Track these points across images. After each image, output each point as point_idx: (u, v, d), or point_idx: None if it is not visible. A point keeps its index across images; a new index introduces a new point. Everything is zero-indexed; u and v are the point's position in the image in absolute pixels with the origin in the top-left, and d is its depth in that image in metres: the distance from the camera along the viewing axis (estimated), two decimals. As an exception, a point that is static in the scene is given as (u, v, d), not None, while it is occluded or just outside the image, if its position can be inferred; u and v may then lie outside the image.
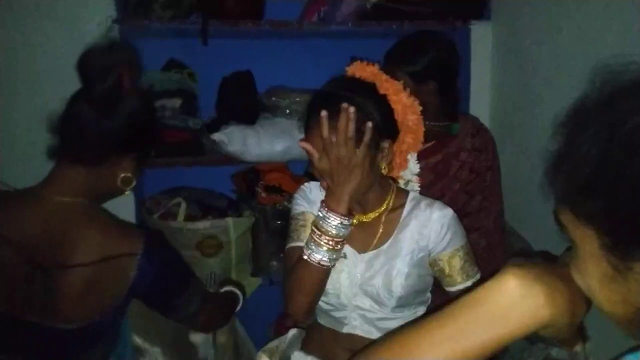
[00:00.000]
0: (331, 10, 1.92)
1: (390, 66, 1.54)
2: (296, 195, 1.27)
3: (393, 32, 1.93)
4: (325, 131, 1.05)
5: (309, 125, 1.12)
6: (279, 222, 1.98)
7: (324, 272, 1.12)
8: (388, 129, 1.13)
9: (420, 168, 1.33)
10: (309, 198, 1.24)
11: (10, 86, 1.73)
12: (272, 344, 1.32)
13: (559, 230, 0.58)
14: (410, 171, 1.30)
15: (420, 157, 1.33)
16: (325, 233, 1.08)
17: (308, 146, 1.09)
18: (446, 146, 1.63)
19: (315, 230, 1.09)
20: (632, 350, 0.53)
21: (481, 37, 1.96)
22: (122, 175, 1.11)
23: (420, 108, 1.18)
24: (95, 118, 1.05)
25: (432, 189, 1.55)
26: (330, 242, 1.08)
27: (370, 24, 1.88)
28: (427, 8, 1.90)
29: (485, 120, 2.04)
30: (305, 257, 1.10)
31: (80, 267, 1.04)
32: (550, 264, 0.60)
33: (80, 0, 1.73)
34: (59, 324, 1.06)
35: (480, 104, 2.00)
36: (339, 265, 1.16)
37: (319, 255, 1.09)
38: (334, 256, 1.10)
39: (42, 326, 1.05)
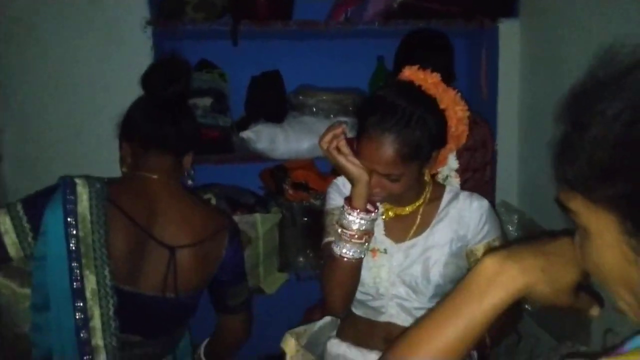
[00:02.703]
0: (358, 9, 1.94)
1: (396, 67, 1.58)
2: (329, 190, 1.29)
3: (420, 31, 1.94)
4: (322, 137, 1.13)
5: (359, 128, 1.12)
6: (306, 218, 2.01)
7: (354, 266, 1.15)
8: (440, 141, 1.14)
9: None
10: (343, 192, 1.25)
11: (51, 90, 1.82)
12: (300, 328, 1.34)
13: (567, 217, 0.58)
14: (449, 167, 1.32)
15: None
16: (348, 228, 1.12)
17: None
18: None
19: (339, 226, 1.13)
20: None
21: (509, 35, 1.95)
22: (188, 167, 1.30)
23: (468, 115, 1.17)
24: (181, 118, 1.23)
25: None
26: (354, 238, 1.11)
27: (397, 22, 1.89)
28: (455, 6, 1.90)
29: (514, 119, 2.03)
30: (332, 251, 1.14)
31: (197, 244, 1.22)
32: (524, 244, 0.67)
33: (115, 4, 1.80)
34: (174, 295, 1.21)
35: (509, 102, 1.98)
36: (379, 259, 1.20)
37: (344, 250, 1.13)
38: (360, 250, 1.13)
39: (159, 299, 1.19)
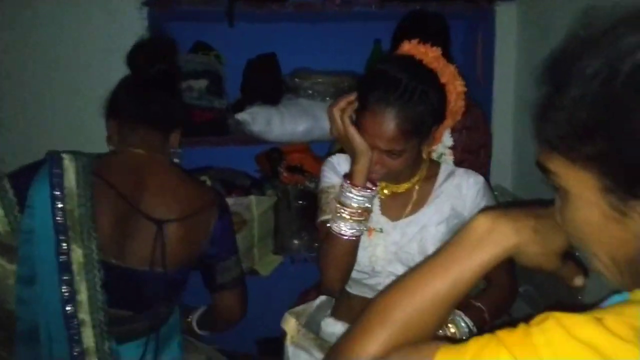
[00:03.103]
0: (355, -9, 1.93)
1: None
2: (324, 168, 1.28)
3: (417, 14, 1.93)
4: (334, 105, 1.11)
5: (360, 104, 1.11)
6: (301, 201, 2.01)
7: (352, 245, 1.15)
8: (440, 116, 1.14)
9: None
10: (338, 170, 1.25)
11: (55, 68, 1.82)
12: (299, 308, 1.35)
13: (544, 179, 0.59)
14: (443, 145, 1.33)
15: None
16: (347, 206, 1.11)
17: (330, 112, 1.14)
18: None
19: (338, 204, 1.13)
20: (618, 291, 0.54)
21: (506, 17, 1.95)
22: (173, 146, 1.29)
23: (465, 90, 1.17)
24: (168, 95, 1.24)
25: None
26: (354, 215, 1.11)
27: (394, 5, 1.88)
28: (452, -12, 1.89)
29: (510, 102, 2.03)
30: (330, 230, 1.14)
31: (185, 218, 1.21)
32: (519, 207, 0.67)
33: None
34: (162, 269, 1.20)
35: (505, 86, 1.98)
36: (375, 239, 1.20)
37: (344, 228, 1.12)
38: (358, 228, 1.13)
39: (147, 273, 1.19)
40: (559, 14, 1.72)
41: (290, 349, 1.17)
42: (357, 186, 1.11)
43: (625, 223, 0.52)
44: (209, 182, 1.91)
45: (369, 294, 1.24)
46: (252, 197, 1.90)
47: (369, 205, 1.14)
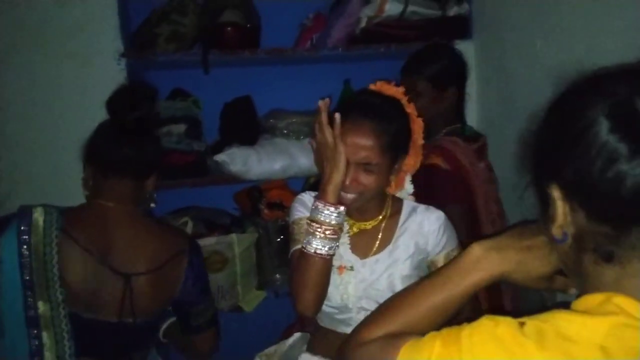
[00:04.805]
0: (323, 36, 2.06)
1: (409, 77, 1.67)
2: (295, 204, 1.33)
3: (381, 54, 2.06)
4: (317, 121, 1.19)
5: (342, 114, 1.18)
6: (282, 236, 2.07)
7: (325, 264, 1.18)
8: (406, 144, 1.25)
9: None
10: (307, 205, 1.29)
11: (29, 118, 1.87)
12: (271, 348, 1.38)
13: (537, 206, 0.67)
14: (406, 191, 1.38)
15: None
16: (318, 222, 1.16)
17: (312, 143, 1.24)
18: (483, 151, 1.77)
19: (310, 222, 1.18)
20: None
21: (465, 54, 2.08)
22: (150, 190, 1.34)
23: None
24: (143, 142, 1.28)
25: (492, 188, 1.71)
26: (325, 231, 1.15)
27: (360, 47, 2.01)
28: (413, 30, 2.03)
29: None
30: (304, 251, 1.17)
31: (154, 271, 1.24)
32: (510, 234, 0.79)
33: (89, 36, 1.87)
34: (132, 320, 1.23)
35: (468, 118, 2.10)
36: (346, 277, 1.25)
37: (315, 245, 1.16)
38: (329, 245, 1.16)
39: (116, 325, 1.22)
40: (510, 51, 1.87)
41: None
42: (330, 203, 1.16)
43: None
44: (190, 223, 1.96)
45: (342, 328, 1.27)
46: (234, 235, 1.96)
47: (341, 223, 1.18)
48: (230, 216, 2.10)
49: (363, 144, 1.16)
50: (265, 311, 2.10)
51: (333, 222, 1.16)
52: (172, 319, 1.45)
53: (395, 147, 1.20)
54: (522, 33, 1.80)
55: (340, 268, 1.26)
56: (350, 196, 1.19)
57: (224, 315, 1.91)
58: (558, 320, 0.56)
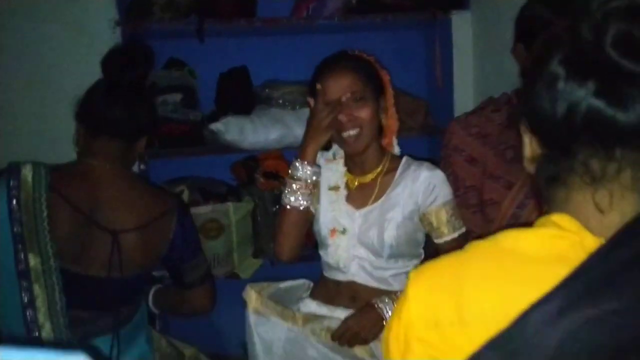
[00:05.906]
0: (319, 6, 2.05)
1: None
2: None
3: (377, 25, 2.05)
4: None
5: (320, 72, 1.36)
6: (277, 206, 2.10)
7: (299, 215, 1.35)
8: (380, 84, 1.38)
9: None
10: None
11: (24, 86, 1.88)
12: (263, 283, 1.47)
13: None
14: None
15: None
16: (294, 178, 1.32)
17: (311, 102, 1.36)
18: None
19: (289, 179, 1.34)
20: None
21: (461, 26, 2.07)
22: (139, 151, 1.35)
23: None
24: (135, 103, 1.27)
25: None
26: (299, 186, 1.32)
27: (355, 17, 2.00)
28: (409, 0, 2.02)
29: (469, 105, 2.15)
30: (282, 204, 1.36)
31: (142, 227, 1.27)
32: None
33: (84, 5, 1.86)
34: (120, 275, 1.26)
35: (464, 89, 2.11)
36: (337, 240, 1.36)
37: (293, 199, 1.33)
38: (303, 199, 1.33)
39: (105, 279, 1.25)
40: (508, 21, 1.86)
41: (252, 317, 1.34)
42: (306, 161, 1.31)
43: None
44: (186, 191, 1.99)
45: (340, 277, 1.38)
46: (230, 204, 1.99)
47: (316, 180, 1.34)
48: (226, 186, 2.12)
49: (344, 78, 1.30)
50: (261, 278, 2.13)
51: (308, 179, 1.31)
52: (157, 286, 1.49)
53: (372, 79, 1.34)
54: (520, 3, 1.78)
55: (332, 231, 1.36)
56: (352, 132, 1.30)
57: (220, 281, 1.95)
58: (497, 237, 0.59)
